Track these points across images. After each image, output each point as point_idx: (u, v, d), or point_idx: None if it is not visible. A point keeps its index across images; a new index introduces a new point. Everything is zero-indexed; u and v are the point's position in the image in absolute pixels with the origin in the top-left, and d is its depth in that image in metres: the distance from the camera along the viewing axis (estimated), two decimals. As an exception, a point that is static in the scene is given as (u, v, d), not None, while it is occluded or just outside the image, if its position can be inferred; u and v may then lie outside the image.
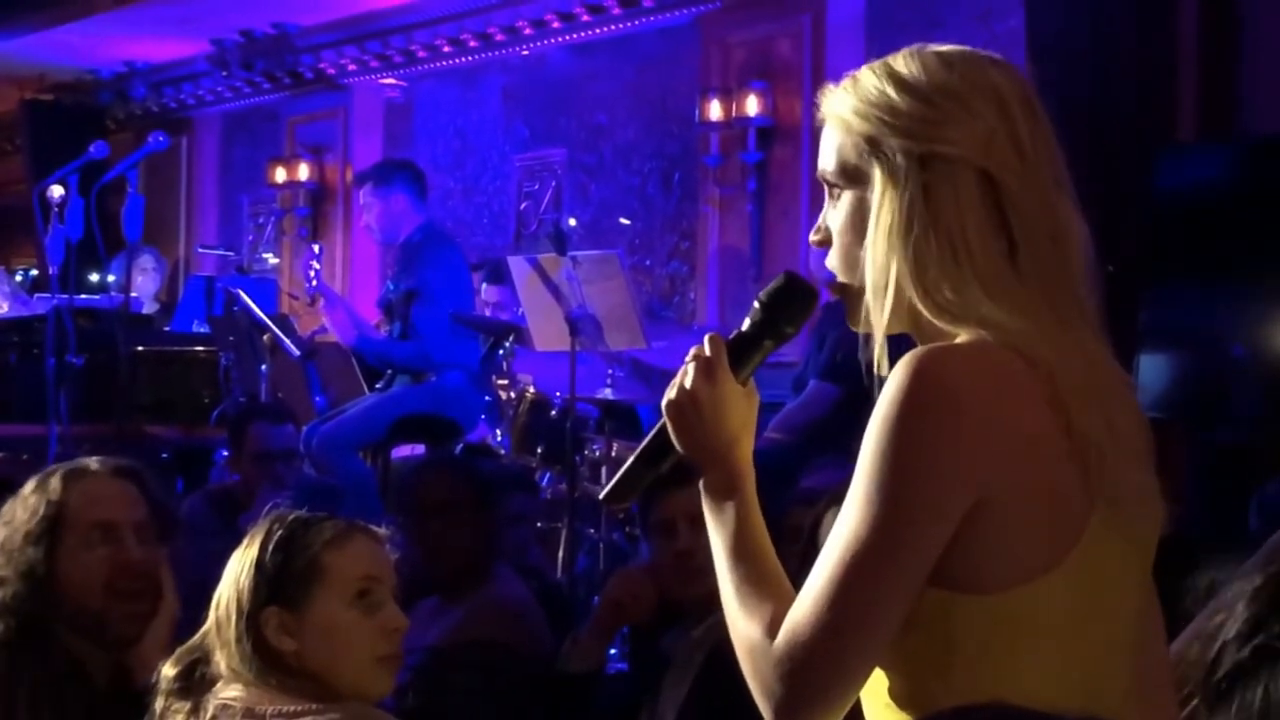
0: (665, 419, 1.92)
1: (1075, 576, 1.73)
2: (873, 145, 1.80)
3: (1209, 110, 6.66)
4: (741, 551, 1.85)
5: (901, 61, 1.82)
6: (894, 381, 1.72)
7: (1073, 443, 1.73)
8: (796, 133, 8.41)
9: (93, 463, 3.07)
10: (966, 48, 1.86)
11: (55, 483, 2.98)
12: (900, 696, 1.77)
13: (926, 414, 1.70)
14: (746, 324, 1.93)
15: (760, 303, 1.93)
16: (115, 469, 3.06)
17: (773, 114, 8.51)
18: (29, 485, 3.01)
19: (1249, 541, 2.98)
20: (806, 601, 1.73)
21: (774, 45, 8.64)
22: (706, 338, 1.92)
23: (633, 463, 1.97)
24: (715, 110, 8.65)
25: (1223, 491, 5.67)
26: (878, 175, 1.79)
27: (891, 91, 1.80)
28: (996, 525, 1.71)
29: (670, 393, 1.91)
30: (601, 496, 2.04)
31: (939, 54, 1.83)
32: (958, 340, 1.76)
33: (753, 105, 8.49)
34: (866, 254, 1.81)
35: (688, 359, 1.92)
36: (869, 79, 1.83)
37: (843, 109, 1.83)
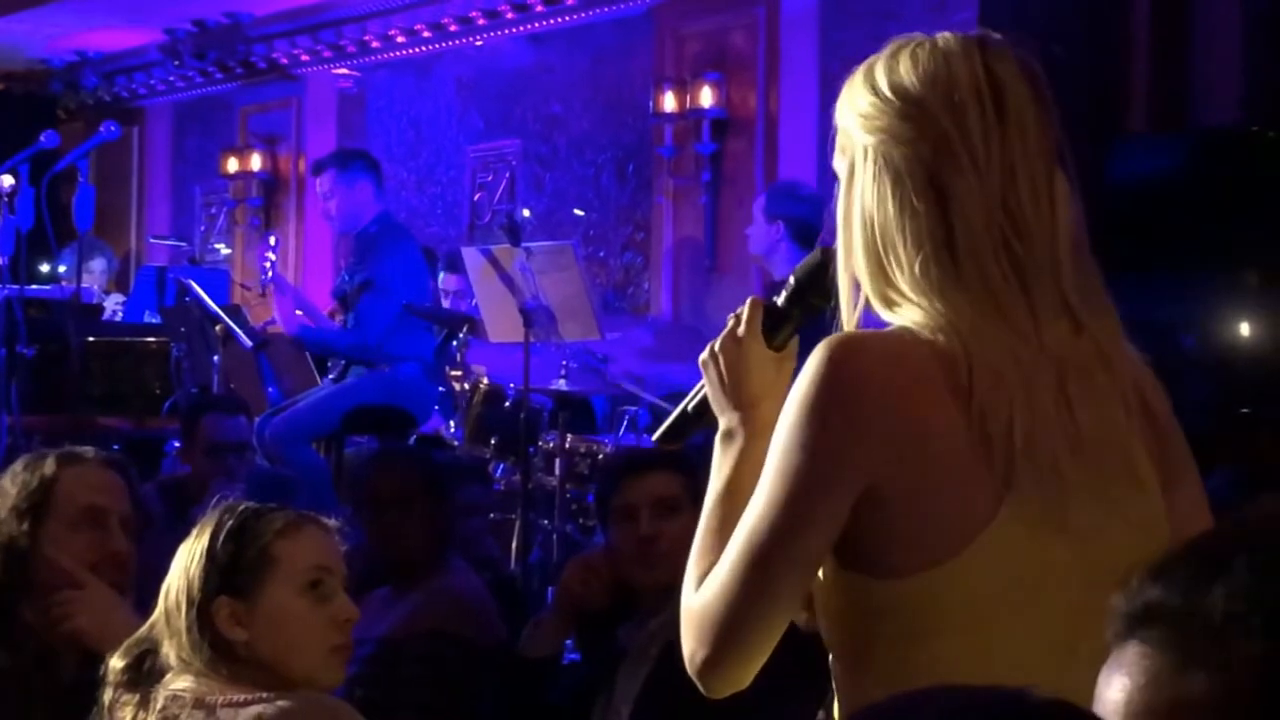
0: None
1: (983, 563, 1.77)
2: (846, 142, 1.91)
3: (1160, 101, 6.69)
4: (718, 500, 1.93)
5: (882, 58, 1.90)
6: (807, 366, 1.81)
7: (980, 434, 1.78)
8: (751, 124, 8.40)
9: (87, 450, 3.09)
10: (949, 36, 1.89)
11: (49, 463, 2.99)
12: (841, 687, 1.86)
13: (827, 398, 1.78)
14: (782, 294, 2.04)
15: (794, 274, 2.03)
16: (107, 459, 3.09)
17: (727, 105, 8.48)
18: (20, 463, 3.03)
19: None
20: (719, 564, 1.84)
21: (728, 37, 8.63)
22: (748, 300, 2.03)
23: (681, 411, 2.11)
24: (670, 102, 8.64)
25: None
26: (844, 171, 1.90)
27: (861, 90, 1.89)
28: (893, 511, 1.78)
29: (705, 350, 2.00)
30: (654, 437, 2.18)
31: (915, 50, 1.88)
32: (886, 329, 1.85)
33: (707, 97, 8.46)
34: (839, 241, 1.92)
35: (729, 319, 2.01)
36: (855, 77, 1.92)
37: (836, 107, 1.94)
